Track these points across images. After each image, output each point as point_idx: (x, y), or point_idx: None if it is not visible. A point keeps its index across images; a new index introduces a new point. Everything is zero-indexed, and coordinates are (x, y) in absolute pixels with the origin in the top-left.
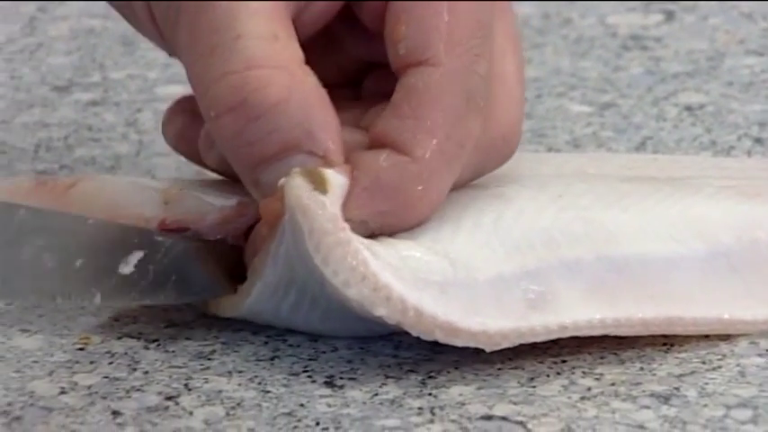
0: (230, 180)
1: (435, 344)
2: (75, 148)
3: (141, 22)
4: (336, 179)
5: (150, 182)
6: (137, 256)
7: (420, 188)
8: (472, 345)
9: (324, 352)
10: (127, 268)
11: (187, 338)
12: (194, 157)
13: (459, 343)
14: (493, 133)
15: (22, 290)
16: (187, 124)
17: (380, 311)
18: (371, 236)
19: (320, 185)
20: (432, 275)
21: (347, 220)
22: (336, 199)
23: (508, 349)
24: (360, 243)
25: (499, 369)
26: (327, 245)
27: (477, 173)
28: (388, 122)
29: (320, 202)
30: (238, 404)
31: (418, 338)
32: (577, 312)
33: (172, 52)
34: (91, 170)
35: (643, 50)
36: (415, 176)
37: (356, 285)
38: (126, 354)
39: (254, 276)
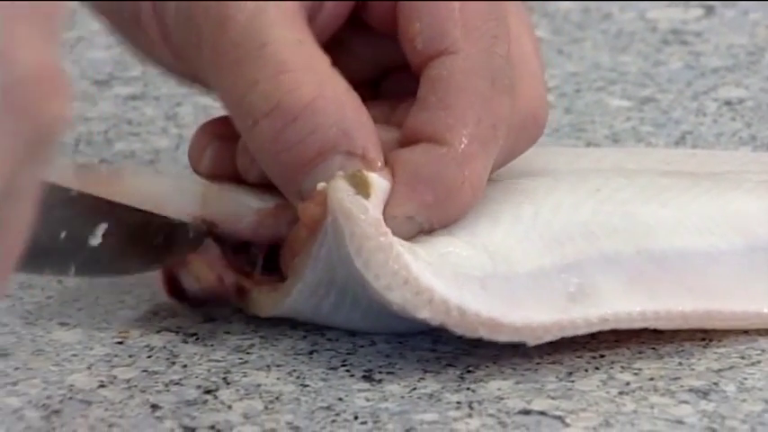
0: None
1: (474, 338)
2: (114, 142)
3: (154, 47)
4: (379, 183)
5: (191, 178)
6: (102, 227)
7: (461, 175)
8: (516, 340)
9: (362, 346)
10: (95, 240)
11: (226, 332)
12: (232, 181)
13: (503, 338)
14: (522, 112)
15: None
16: (219, 149)
17: (424, 314)
18: (420, 234)
19: (363, 189)
20: (472, 270)
21: (393, 217)
22: (379, 203)
23: (546, 344)
24: (401, 246)
25: (537, 363)
26: (369, 249)
27: (509, 155)
28: (418, 117)
29: (362, 207)
30: (277, 398)
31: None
32: (618, 305)
33: (185, 76)
34: (130, 164)
35: (683, 45)
36: (454, 163)
37: (398, 289)
38: (165, 347)
39: (294, 277)
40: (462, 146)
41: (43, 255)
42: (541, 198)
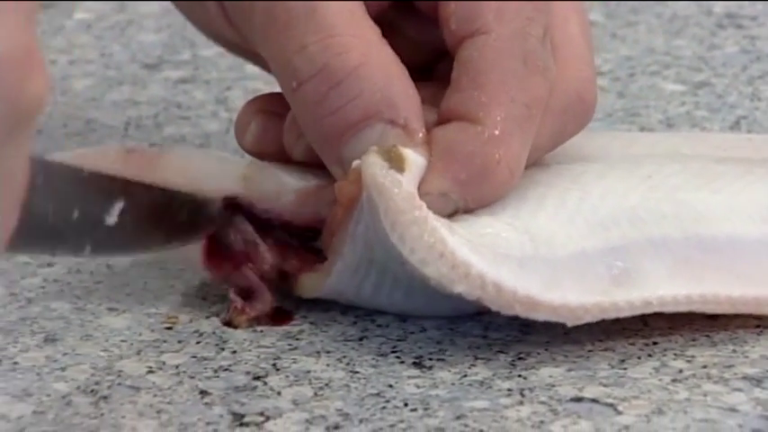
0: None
1: (525, 324)
2: (164, 126)
3: (213, 21)
4: (414, 158)
5: (234, 158)
6: (118, 206)
7: (496, 153)
8: (553, 319)
9: (412, 332)
10: (111, 219)
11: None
12: (275, 157)
13: (540, 317)
14: (567, 92)
15: (31, 243)
16: (264, 125)
17: (459, 288)
18: (455, 213)
19: (397, 164)
20: (510, 250)
21: (426, 194)
22: (413, 178)
23: (598, 331)
24: (436, 221)
25: (590, 351)
26: (403, 223)
27: (557, 138)
28: (451, 98)
29: (396, 181)
30: (326, 384)
31: (508, 319)
32: (662, 288)
33: (241, 49)
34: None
35: (738, 29)
36: (487, 141)
37: (434, 263)
38: (214, 333)
39: (333, 256)
40: (496, 125)
41: (55, 235)
42: (590, 184)
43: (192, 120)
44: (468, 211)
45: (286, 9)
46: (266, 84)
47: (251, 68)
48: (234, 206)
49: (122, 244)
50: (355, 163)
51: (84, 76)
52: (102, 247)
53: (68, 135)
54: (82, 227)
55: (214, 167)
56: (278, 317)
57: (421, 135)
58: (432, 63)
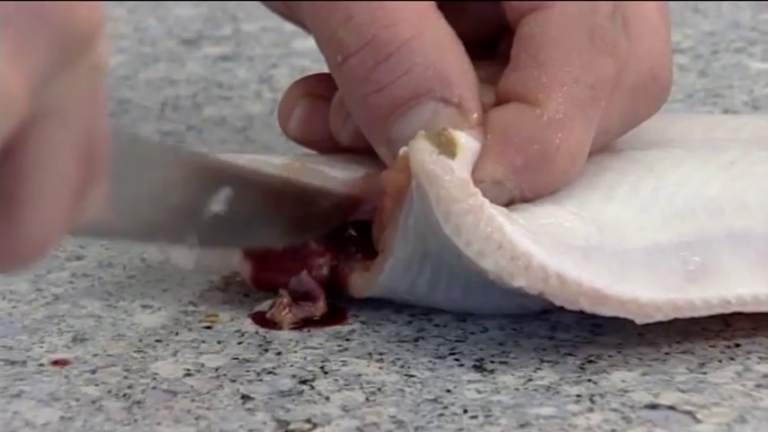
0: (359, 154)
1: (596, 325)
2: (203, 107)
3: None
4: (467, 142)
5: (269, 158)
6: (225, 192)
7: (556, 138)
8: (621, 314)
9: (473, 333)
10: (217, 207)
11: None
12: (321, 144)
13: (607, 312)
14: (640, 71)
15: (123, 228)
16: (310, 109)
17: (520, 282)
18: (511, 202)
19: (448, 148)
20: (575, 241)
21: (479, 182)
22: (466, 163)
23: (676, 332)
24: (493, 209)
25: (666, 354)
26: (457, 213)
27: (628, 121)
28: (510, 77)
29: (447, 167)
30: (379, 389)
31: (577, 319)
32: (743, 286)
33: (287, 14)
34: (221, 131)
35: None
36: (547, 125)
37: (492, 255)
38: (257, 333)
39: (384, 252)
40: (557, 107)
41: (154, 222)
42: (667, 171)
43: (233, 100)
44: (526, 200)
45: None
46: (314, 61)
47: (298, 44)
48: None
49: (228, 236)
50: (402, 150)
51: (117, 53)
52: (206, 238)
53: None
54: (182, 214)
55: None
56: (328, 316)
57: (476, 115)
58: (494, 40)
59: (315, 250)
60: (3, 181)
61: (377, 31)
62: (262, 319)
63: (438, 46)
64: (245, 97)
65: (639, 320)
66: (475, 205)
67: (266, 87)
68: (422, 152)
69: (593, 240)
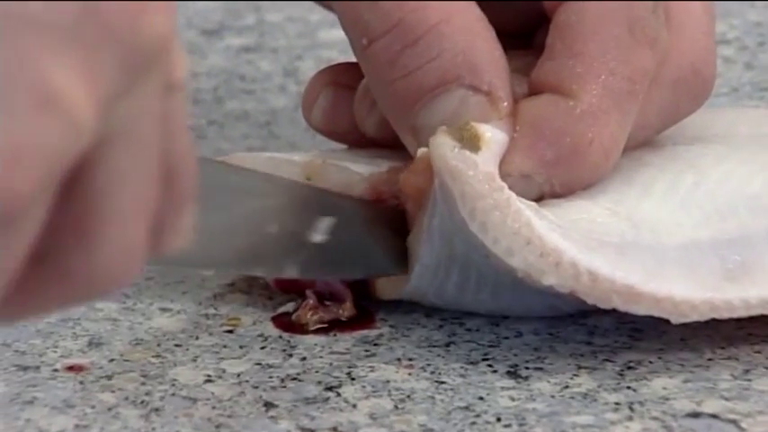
0: (384, 147)
1: (635, 329)
2: (225, 101)
3: None
4: (493, 135)
5: (290, 156)
6: (327, 222)
7: (589, 131)
8: (655, 313)
9: (506, 338)
10: (318, 236)
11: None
12: (345, 135)
13: (641, 310)
14: (681, 64)
15: (216, 257)
16: (335, 98)
17: (550, 280)
18: (541, 197)
19: (471, 142)
20: (608, 237)
21: (507, 176)
22: (492, 156)
23: (719, 337)
24: (521, 203)
25: (709, 360)
26: (483, 209)
27: (668, 116)
28: (543, 66)
29: (471, 161)
30: (408, 396)
31: (616, 323)
32: None
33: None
34: (243, 126)
35: None
36: (580, 118)
37: (520, 252)
38: (280, 337)
39: (411, 258)
40: (591, 99)
41: (249, 252)
42: (708, 167)
43: (256, 94)
44: (557, 196)
45: None
46: (342, 53)
47: (324, 35)
48: None
49: (333, 266)
50: (421, 151)
51: None
52: (308, 269)
53: None
54: (278, 244)
55: (266, 168)
56: (355, 319)
57: (506, 104)
58: (531, 29)
59: None
60: (75, 206)
61: (404, 14)
62: (285, 323)
63: (468, 31)
64: (269, 91)
65: (674, 320)
66: (501, 200)
67: (291, 80)
68: (443, 147)
69: (627, 236)
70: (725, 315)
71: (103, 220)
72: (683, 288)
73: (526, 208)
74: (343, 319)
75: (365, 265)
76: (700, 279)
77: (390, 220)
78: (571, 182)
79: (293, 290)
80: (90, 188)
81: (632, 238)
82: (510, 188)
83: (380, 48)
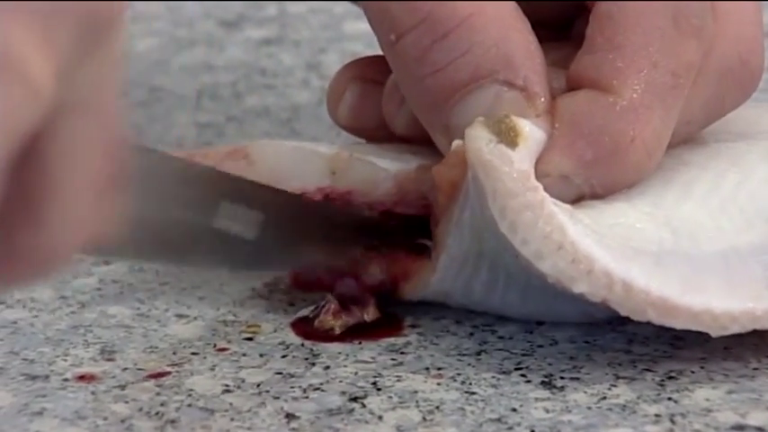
0: (414, 143)
1: (676, 338)
2: (244, 96)
3: None
4: (532, 131)
5: (317, 147)
6: (256, 216)
7: (630, 129)
8: (692, 327)
9: (541, 346)
10: (245, 230)
11: (376, 327)
12: (373, 132)
13: (677, 324)
14: (726, 55)
15: (144, 249)
16: (361, 94)
17: (581, 287)
18: (580, 199)
19: (509, 137)
20: (645, 244)
21: (544, 176)
22: (529, 154)
23: (765, 345)
24: (555, 206)
25: (755, 369)
26: (514, 208)
27: (713, 110)
28: (582, 60)
29: (506, 158)
30: (437, 407)
31: (656, 330)
32: None
33: None
34: (264, 123)
35: None
36: (621, 115)
37: (551, 257)
38: (303, 345)
39: (437, 249)
40: (633, 95)
41: (159, 239)
42: (753, 166)
43: (277, 89)
44: (597, 197)
45: None
46: (367, 46)
47: (349, 27)
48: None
49: (255, 259)
50: (455, 143)
51: (150, 36)
52: (236, 261)
53: (129, 105)
54: (190, 233)
55: (293, 164)
56: (381, 326)
57: (543, 101)
58: (569, 20)
59: (365, 260)
60: (26, 179)
61: (433, 7)
62: (306, 330)
63: (501, 23)
64: (291, 85)
65: (714, 333)
66: (534, 201)
67: (314, 74)
68: (479, 140)
69: (665, 244)
70: (767, 326)
71: (53, 194)
72: (722, 299)
73: (560, 212)
74: (368, 320)
75: (293, 261)
76: (740, 288)
77: (323, 216)
78: (612, 182)
79: (312, 288)
80: (45, 158)
81: (670, 245)
82: (548, 189)
83: (409, 43)
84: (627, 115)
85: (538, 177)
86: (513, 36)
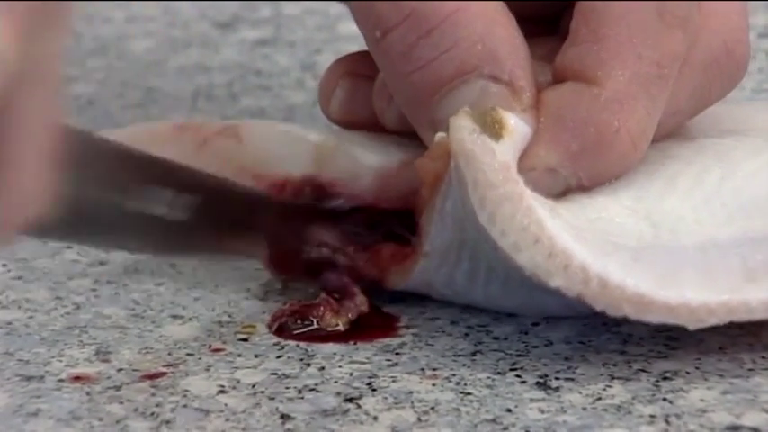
0: (402, 137)
1: (671, 338)
2: (240, 97)
3: None
4: (517, 124)
5: (306, 133)
6: (185, 199)
7: (614, 120)
8: (670, 321)
9: (536, 347)
10: (174, 214)
11: (371, 328)
12: (365, 127)
13: (654, 319)
14: (712, 45)
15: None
16: (352, 89)
17: (557, 282)
18: (567, 191)
19: (494, 129)
20: (624, 239)
21: (531, 170)
22: (513, 147)
23: (761, 345)
24: (535, 199)
25: (750, 370)
26: (493, 200)
27: (699, 101)
28: (567, 52)
29: (488, 148)
30: (432, 408)
31: (651, 331)
32: None
33: None
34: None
35: None
36: (605, 106)
37: (528, 250)
38: (298, 346)
39: (421, 238)
40: (617, 86)
41: (93, 224)
42: (738, 161)
43: (273, 90)
44: (583, 189)
45: None
46: (362, 46)
47: (343, 28)
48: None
49: (187, 244)
50: (438, 136)
51: (145, 37)
52: (163, 245)
53: (125, 107)
54: (136, 221)
55: (280, 147)
56: (376, 326)
57: (528, 95)
58: (555, 14)
59: (348, 254)
60: None
61: (418, 3)
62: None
63: (486, 19)
64: (286, 86)
65: (692, 326)
66: (513, 193)
67: (309, 75)
68: (462, 130)
69: (645, 239)
70: (744, 317)
71: (4, 165)
72: (699, 291)
73: (540, 206)
74: (363, 309)
75: (221, 247)
76: (717, 280)
77: (250, 202)
78: (598, 174)
79: (287, 271)
80: (4, 127)
81: (650, 239)
82: (535, 182)
83: (394, 39)
84: (611, 106)
85: (524, 171)
86: (497, 31)
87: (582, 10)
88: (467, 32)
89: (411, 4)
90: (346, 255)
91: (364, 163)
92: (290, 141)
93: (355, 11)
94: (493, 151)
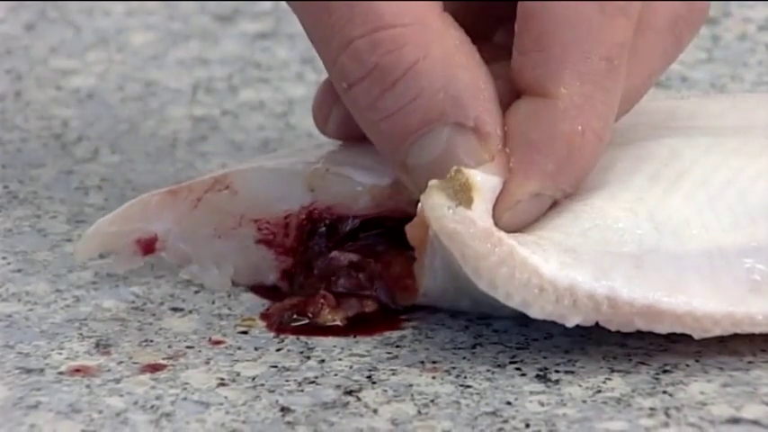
0: None
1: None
2: (239, 90)
3: None
4: (484, 181)
5: (295, 165)
6: None
7: (577, 124)
8: (677, 330)
9: (536, 339)
10: None
11: (371, 321)
12: (364, 138)
13: (662, 329)
14: (673, 6)
15: None
16: (347, 111)
17: (574, 321)
18: (555, 204)
19: (464, 196)
20: (625, 246)
21: (517, 202)
22: (486, 207)
23: (760, 339)
24: (522, 245)
25: (749, 363)
26: (488, 268)
27: (673, 55)
28: (516, 63)
29: (467, 220)
30: (432, 401)
31: None
32: None
33: None
34: (258, 116)
35: None
36: (564, 115)
37: (536, 302)
38: (298, 339)
39: (418, 282)
40: (571, 92)
41: None
42: (744, 162)
43: (272, 82)
44: (569, 196)
45: None
46: None
47: None
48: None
49: None
50: (420, 207)
51: (145, 30)
52: None
53: (125, 100)
54: None
55: (272, 187)
56: (376, 319)
57: (496, 138)
58: (491, 29)
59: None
60: None
61: (379, 58)
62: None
63: (448, 64)
64: (286, 79)
65: (697, 335)
66: (504, 255)
67: (309, 68)
68: (438, 209)
69: (646, 243)
70: (747, 330)
71: None
72: (705, 301)
73: (531, 254)
74: (368, 311)
75: None
76: (722, 290)
77: None
78: (577, 179)
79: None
80: None
81: (653, 242)
82: (524, 211)
83: (360, 92)
84: (570, 113)
85: (511, 205)
86: (460, 75)
87: (523, 15)
88: (428, 81)
89: (373, 58)
90: (371, 271)
91: (358, 182)
92: (282, 180)
93: (321, 59)
94: (473, 221)
